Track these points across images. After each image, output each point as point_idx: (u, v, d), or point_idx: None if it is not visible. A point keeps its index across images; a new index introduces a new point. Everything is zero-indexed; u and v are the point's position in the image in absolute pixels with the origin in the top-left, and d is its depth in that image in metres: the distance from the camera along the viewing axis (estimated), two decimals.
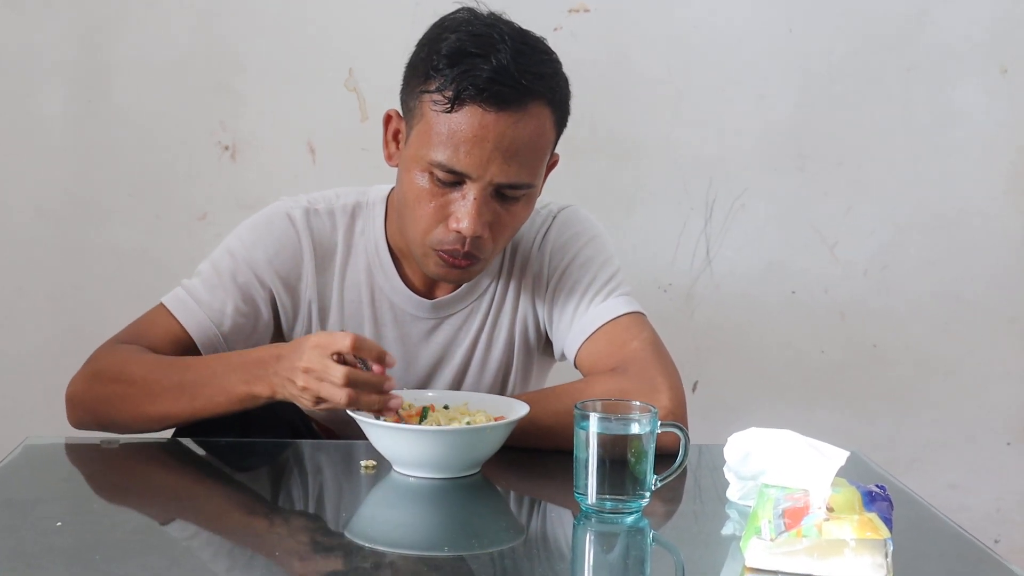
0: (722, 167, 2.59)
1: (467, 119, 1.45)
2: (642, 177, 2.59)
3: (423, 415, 1.42)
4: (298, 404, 1.41)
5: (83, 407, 1.54)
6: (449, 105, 1.45)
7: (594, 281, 1.64)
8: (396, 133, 1.56)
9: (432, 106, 1.46)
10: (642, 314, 1.63)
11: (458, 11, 1.52)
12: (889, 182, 2.61)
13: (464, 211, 1.47)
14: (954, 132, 2.60)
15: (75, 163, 2.51)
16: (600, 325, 1.60)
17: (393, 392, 1.37)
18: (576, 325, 1.62)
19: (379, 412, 1.36)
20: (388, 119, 1.57)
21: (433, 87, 1.46)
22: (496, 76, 1.43)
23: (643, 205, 2.59)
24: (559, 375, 1.71)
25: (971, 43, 2.58)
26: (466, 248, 1.50)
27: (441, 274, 1.56)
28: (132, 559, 1.12)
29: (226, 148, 2.52)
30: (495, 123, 1.44)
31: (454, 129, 1.45)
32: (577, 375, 1.63)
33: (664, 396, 1.49)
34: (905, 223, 2.62)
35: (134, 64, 2.49)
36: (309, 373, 1.35)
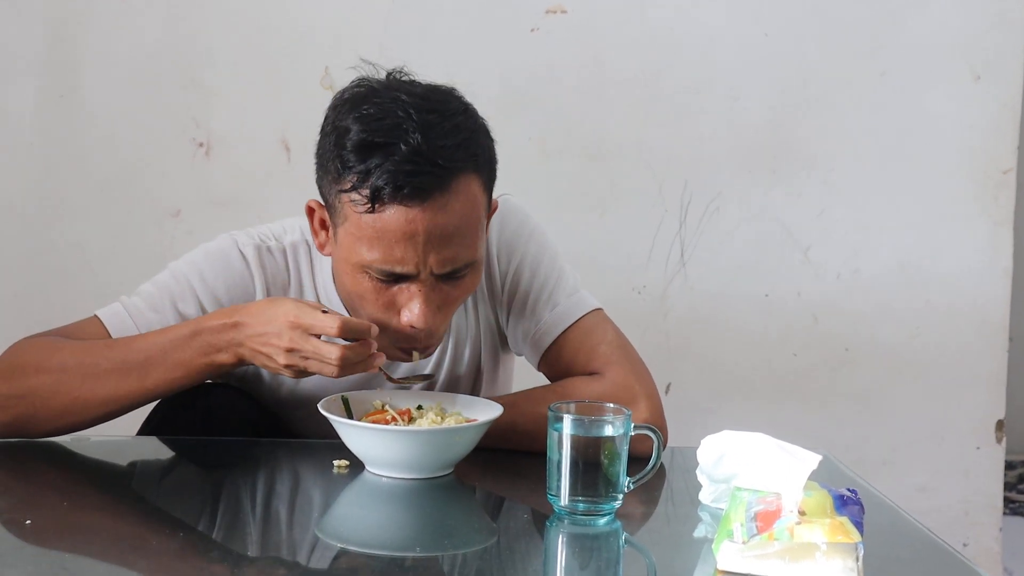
0: (696, 169, 2.60)
1: (392, 218, 1.35)
2: (617, 179, 2.59)
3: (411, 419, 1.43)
4: (269, 371, 1.40)
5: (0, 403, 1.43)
6: (370, 206, 1.35)
7: (545, 283, 1.59)
8: (323, 222, 1.47)
9: (352, 207, 1.37)
10: (600, 309, 1.60)
11: (355, 86, 1.43)
12: (862, 186, 2.62)
13: (412, 305, 1.40)
14: (926, 137, 2.62)
15: (45, 159, 2.49)
16: (561, 331, 1.57)
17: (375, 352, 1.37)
18: (535, 331, 1.59)
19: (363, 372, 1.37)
20: (311, 211, 1.48)
21: (348, 186, 1.37)
22: (412, 168, 1.33)
23: (617, 207, 2.59)
24: (530, 376, 1.70)
25: (944, 49, 2.60)
26: (423, 343, 1.45)
27: (401, 359, 1.50)
28: (101, 557, 1.11)
29: (200, 145, 2.50)
30: (422, 216, 1.35)
31: (380, 228, 1.36)
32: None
33: (642, 405, 1.49)
34: (877, 227, 2.64)
35: (105, 59, 2.47)
36: (294, 353, 1.33)
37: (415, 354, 1.46)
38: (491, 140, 1.46)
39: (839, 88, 2.60)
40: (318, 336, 1.34)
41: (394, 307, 1.42)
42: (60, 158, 2.49)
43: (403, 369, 1.59)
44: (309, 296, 1.57)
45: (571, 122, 2.54)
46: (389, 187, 1.34)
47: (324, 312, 1.35)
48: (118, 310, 1.51)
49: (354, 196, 1.36)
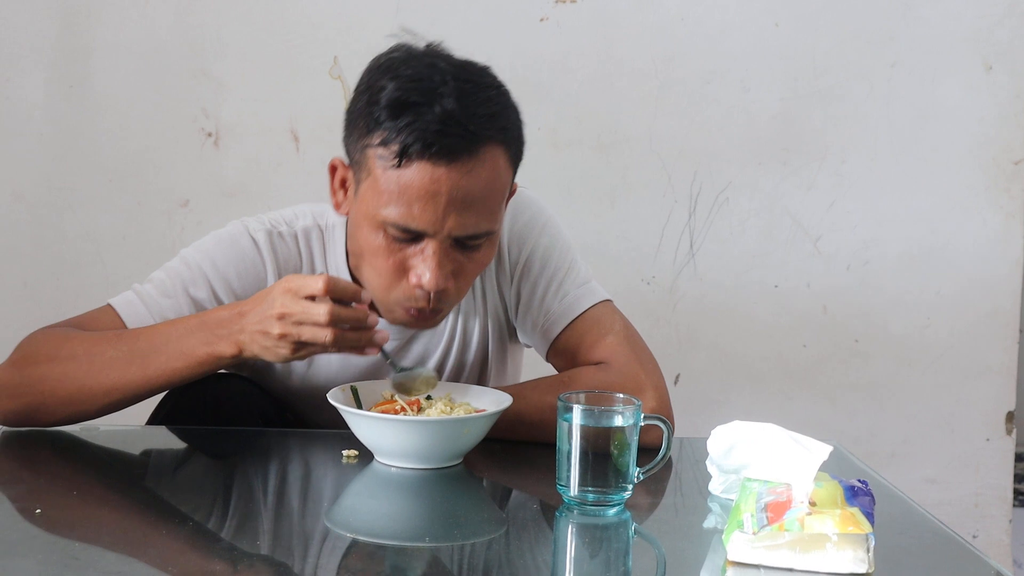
0: (706, 160, 2.59)
1: (417, 175, 1.36)
2: (626, 169, 2.58)
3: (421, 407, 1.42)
4: (271, 358, 1.35)
5: (12, 391, 1.44)
6: (396, 160, 1.36)
7: (556, 273, 1.59)
8: (343, 182, 1.48)
9: (378, 161, 1.38)
10: (609, 301, 1.60)
11: (393, 50, 1.43)
12: (872, 177, 2.62)
13: (424, 266, 1.40)
14: (937, 128, 2.61)
15: (54, 149, 2.49)
16: (570, 321, 1.57)
17: (378, 328, 1.34)
18: (544, 321, 1.59)
19: (364, 350, 1.34)
20: (333, 169, 1.49)
21: (377, 141, 1.37)
22: (443, 126, 1.34)
23: (627, 197, 2.59)
24: (537, 367, 1.70)
25: (956, 40, 2.58)
26: (432, 304, 1.44)
27: (412, 326, 1.51)
28: (110, 547, 1.11)
29: (209, 135, 2.50)
30: (447, 177, 1.36)
31: (404, 185, 1.36)
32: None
33: (649, 395, 1.49)
34: (887, 218, 2.63)
35: (115, 50, 2.47)
36: (286, 318, 1.31)
37: (427, 314, 1.45)
38: (521, 122, 1.47)
39: (850, 79, 2.59)
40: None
41: (405, 268, 1.42)
42: (69, 148, 2.49)
43: (410, 360, 1.58)
44: None
45: (581, 112, 2.54)
46: (418, 144, 1.35)
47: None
48: (131, 298, 1.51)
49: (381, 152, 1.37)
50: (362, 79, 1.44)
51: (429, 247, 1.40)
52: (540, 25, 2.52)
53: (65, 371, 1.42)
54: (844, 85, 2.59)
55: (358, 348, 1.34)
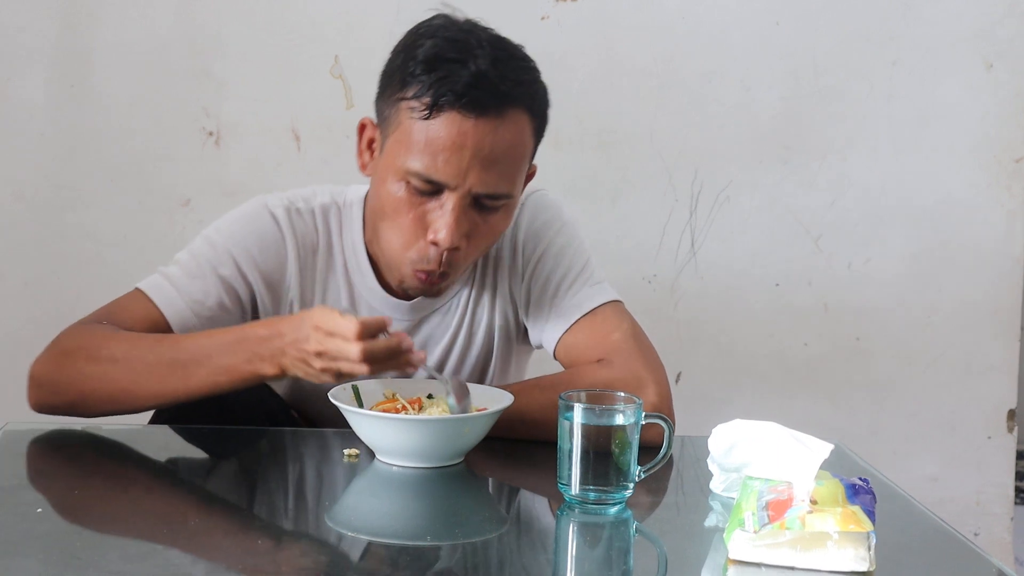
0: (707, 159, 2.59)
1: (445, 126, 1.41)
2: (627, 168, 2.58)
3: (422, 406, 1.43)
4: (314, 381, 1.38)
5: (53, 387, 1.47)
6: (427, 112, 1.41)
7: (568, 271, 1.61)
8: (371, 142, 1.53)
9: (409, 113, 1.43)
10: (619, 302, 1.62)
11: (434, 18, 1.49)
12: (873, 175, 2.62)
13: (442, 221, 1.44)
14: (938, 126, 2.61)
15: (55, 148, 2.49)
16: (579, 317, 1.58)
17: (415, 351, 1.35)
18: (554, 317, 1.60)
19: (404, 369, 1.36)
20: (362, 128, 1.53)
21: (410, 94, 1.43)
22: (475, 82, 1.41)
23: (628, 196, 2.59)
24: (540, 365, 1.70)
25: (956, 38, 2.58)
26: (443, 266, 1.47)
27: (417, 290, 1.54)
28: (111, 546, 1.11)
29: (210, 134, 2.50)
30: (474, 130, 1.41)
31: (431, 137, 1.42)
32: (557, 366, 1.62)
33: (650, 391, 1.49)
34: (889, 216, 2.63)
35: (116, 49, 2.47)
36: (323, 356, 1.33)
37: (435, 278, 1.48)
38: (548, 101, 1.52)
39: (851, 77, 2.59)
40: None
41: (423, 225, 1.46)
42: (70, 148, 2.49)
43: (417, 346, 1.59)
44: (337, 257, 1.60)
45: (581, 111, 2.54)
46: (450, 95, 1.40)
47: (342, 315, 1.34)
48: (159, 282, 1.53)
49: (413, 104, 1.43)
50: (400, 41, 1.50)
51: (448, 201, 1.44)
52: (541, 24, 2.52)
53: (105, 373, 1.44)
54: (845, 84, 2.59)
55: (398, 370, 1.36)
